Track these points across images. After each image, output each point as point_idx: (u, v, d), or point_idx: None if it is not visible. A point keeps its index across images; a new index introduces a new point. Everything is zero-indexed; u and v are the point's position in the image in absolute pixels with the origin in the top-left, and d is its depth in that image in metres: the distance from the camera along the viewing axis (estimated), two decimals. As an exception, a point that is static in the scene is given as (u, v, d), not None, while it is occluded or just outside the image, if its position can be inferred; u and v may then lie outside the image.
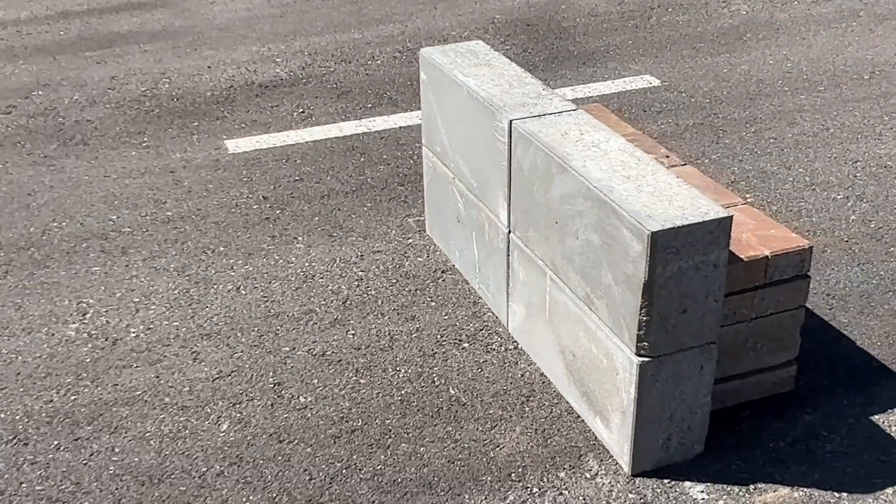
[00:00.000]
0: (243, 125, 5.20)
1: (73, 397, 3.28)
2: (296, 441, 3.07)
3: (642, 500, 2.83)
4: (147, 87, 5.67)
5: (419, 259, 3.99)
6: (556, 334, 3.18)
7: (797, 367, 3.23)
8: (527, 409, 3.19)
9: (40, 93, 5.63)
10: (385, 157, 4.83)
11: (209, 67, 5.94)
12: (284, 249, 4.08)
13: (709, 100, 5.35)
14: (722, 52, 5.97)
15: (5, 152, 4.95)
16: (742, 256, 2.96)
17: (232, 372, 3.38)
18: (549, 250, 3.10)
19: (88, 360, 3.45)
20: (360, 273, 3.91)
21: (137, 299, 3.77)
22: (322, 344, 3.50)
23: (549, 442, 3.05)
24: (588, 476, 2.92)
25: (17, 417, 3.19)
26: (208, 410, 3.21)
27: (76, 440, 3.09)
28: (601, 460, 2.97)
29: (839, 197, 4.37)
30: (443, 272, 3.90)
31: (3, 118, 5.32)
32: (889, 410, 3.14)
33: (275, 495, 2.88)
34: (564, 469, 2.94)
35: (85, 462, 3.01)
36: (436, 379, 3.33)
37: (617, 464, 2.96)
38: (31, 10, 6.98)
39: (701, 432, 2.96)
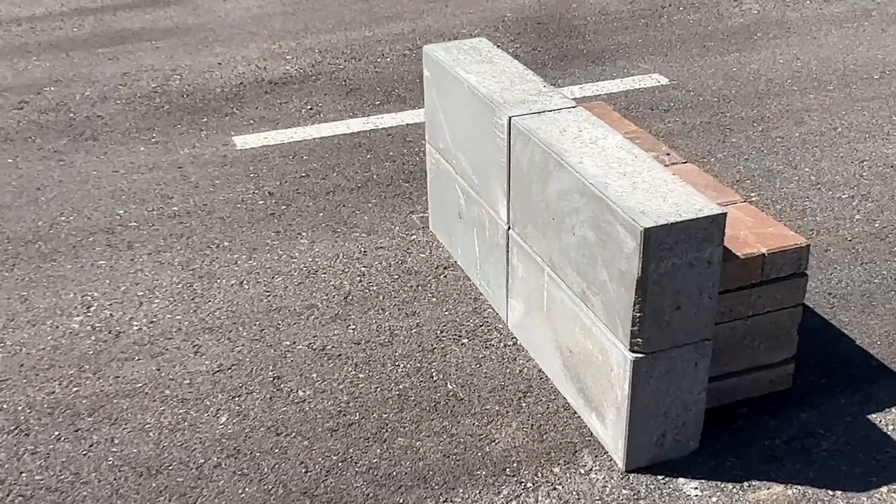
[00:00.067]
0: (252, 121, 5.23)
1: (74, 389, 3.31)
2: (293, 434, 3.10)
3: (636, 496, 2.84)
4: (158, 84, 5.72)
5: (422, 255, 4.01)
6: (553, 330, 3.19)
7: (795, 365, 3.23)
8: (524, 404, 3.20)
9: (52, 88, 5.68)
10: (391, 153, 4.85)
11: (220, 64, 5.98)
12: (288, 245, 4.10)
13: (717, 98, 5.34)
14: (732, 52, 5.96)
15: (16, 147, 5.00)
16: (739, 254, 2.96)
17: (232, 365, 3.41)
18: (547, 246, 3.12)
19: (91, 352, 3.49)
20: (363, 269, 3.93)
21: (141, 293, 3.81)
22: (322, 338, 3.53)
23: (544, 437, 3.06)
24: (582, 471, 2.93)
25: (20, 408, 3.23)
26: (208, 403, 3.23)
27: (76, 431, 3.13)
28: (596, 456, 2.98)
29: (844, 196, 4.36)
30: (445, 268, 3.92)
31: (15, 113, 5.37)
32: (886, 409, 3.14)
33: (271, 487, 2.90)
34: (559, 464, 2.96)
35: (84, 453, 3.04)
36: (434, 374, 3.34)
37: (612, 460, 2.97)
38: (46, 6, 7.04)
39: (696, 429, 2.96)
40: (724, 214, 2.66)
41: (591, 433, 3.07)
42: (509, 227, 3.37)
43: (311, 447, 3.04)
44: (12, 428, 3.15)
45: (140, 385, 3.32)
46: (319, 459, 3.00)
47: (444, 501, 2.84)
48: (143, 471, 2.97)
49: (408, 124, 5.14)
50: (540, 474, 2.92)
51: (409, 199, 4.44)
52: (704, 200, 2.70)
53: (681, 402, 2.89)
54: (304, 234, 4.18)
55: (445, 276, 3.87)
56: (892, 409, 3.14)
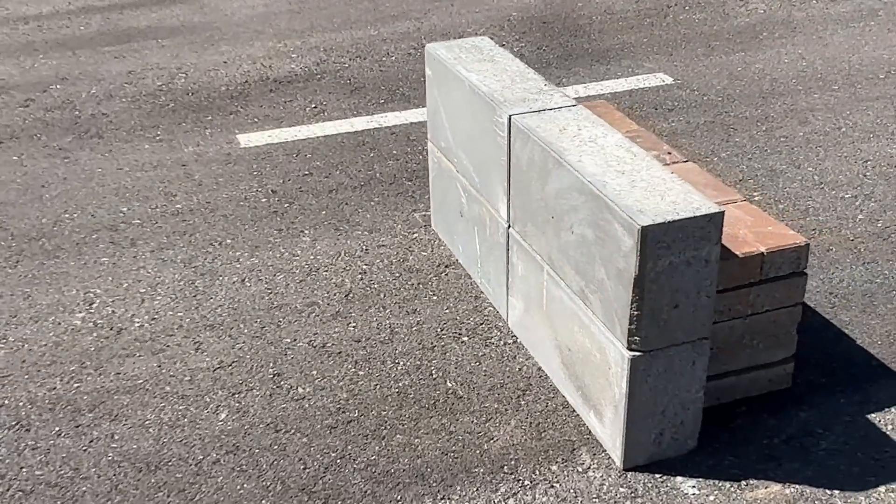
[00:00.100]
0: (256, 120, 5.24)
1: (76, 385, 3.32)
2: (292, 431, 3.11)
3: (633, 494, 2.84)
4: (163, 82, 5.73)
5: (423, 253, 4.01)
6: (552, 329, 3.20)
7: (795, 364, 3.22)
8: (523, 402, 3.20)
9: (58, 86, 5.70)
10: (395, 152, 4.86)
11: (225, 63, 5.99)
12: (290, 242, 4.11)
13: (721, 98, 5.33)
14: (737, 51, 5.96)
15: (21, 145, 5.02)
16: (737, 252, 2.96)
17: (233, 362, 3.42)
18: (546, 245, 3.12)
19: (93, 348, 3.50)
20: (364, 266, 3.94)
21: (144, 290, 3.82)
22: (323, 336, 3.53)
23: (543, 435, 3.06)
24: (580, 470, 2.93)
25: (21, 404, 3.25)
26: (207, 400, 3.25)
27: (77, 427, 3.14)
28: (594, 454, 2.98)
29: (847, 196, 4.35)
30: (446, 266, 3.92)
31: (21, 111, 5.40)
32: (886, 409, 3.13)
33: (269, 483, 2.91)
34: (557, 462, 2.96)
35: (84, 448, 3.05)
36: (434, 372, 3.35)
37: (609, 458, 2.97)
38: (54, 5, 7.06)
39: (694, 428, 2.97)
40: (722, 213, 2.66)
41: (590, 431, 3.07)
42: (509, 226, 3.38)
43: (309, 444, 3.05)
44: (13, 423, 3.16)
45: (141, 381, 3.34)
46: (318, 456, 3.01)
47: (441, 499, 2.84)
48: (142, 466, 2.98)
49: (411, 123, 5.15)
50: (538, 472, 2.92)
51: (412, 197, 4.44)
52: (702, 199, 2.70)
53: (679, 400, 2.89)
54: (306, 232, 4.19)
55: (447, 275, 3.87)
56: (892, 409, 3.14)
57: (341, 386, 3.29)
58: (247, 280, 3.87)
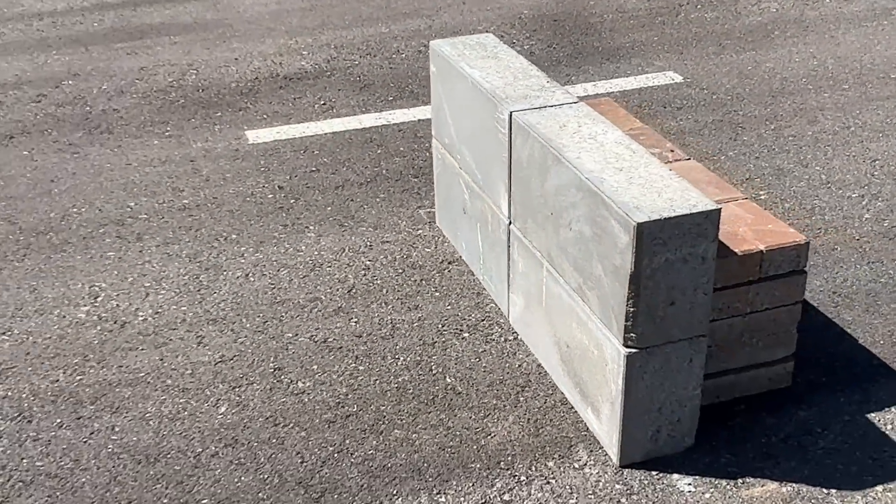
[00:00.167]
0: (265, 116, 5.26)
1: (78, 378, 3.35)
2: (291, 425, 3.12)
3: (628, 491, 2.84)
4: (174, 78, 5.76)
5: (427, 250, 4.02)
6: (551, 325, 3.20)
7: (796, 363, 3.22)
8: (521, 399, 3.21)
9: (70, 82, 5.74)
10: (402, 149, 4.87)
11: (236, 59, 6.02)
12: (295, 238, 4.13)
13: (730, 97, 5.32)
14: (748, 50, 5.94)
15: (32, 139, 5.06)
16: (736, 250, 2.95)
17: (234, 356, 3.43)
18: (546, 241, 3.12)
19: (96, 341, 3.53)
20: (368, 262, 3.95)
21: (148, 284, 3.85)
22: (324, 331, 3.55)
23: (540, 432, 3.07)
24: (576, 466, 2.93)
25: (24, 396, 3.27)
26: (208, 393, 3.26)
27: (78, 419, 3.17)
28: (591, 451, 2.99)
29: (854, 195, 4.33)
30: (449, 263, 3.93)
31: (33, 106, 5.44)
32: (886, 409, 3.12)
33: (266, 476, 2.93)
34: (554, 459, 2.96)
35: (85, 440, 3.08)
36: (434, 368, 3.36)
37: (606, 455, 2.97)
38: (68, 1, 7.11)
39: (691, 425, 2.96)
40: (719, 210, 2.66)
41: (588, 428, 3.07)
42: (510, 222, 3.38)
43: (308, 438, 3.07)
44: (16, 415, 3.19)
45: (143, 374, 3.36)
46: (316, 450, 3.02)
47: (437, 493, 2.85)
48: (141, 458, 3.00)
49: (419, 120, 5.16)
50: (534, 468, 2.93)
51: (418, 194, 4.45)
52: (699, 196, 2.70)
53: (675, 397, 2.88)
54: (311, 227, 4.21)
55: (449, 271, 3.88)
56: (892, 409, 3.12)
57: (341, 381, 3.30)
58: (251, 275, 3.89)
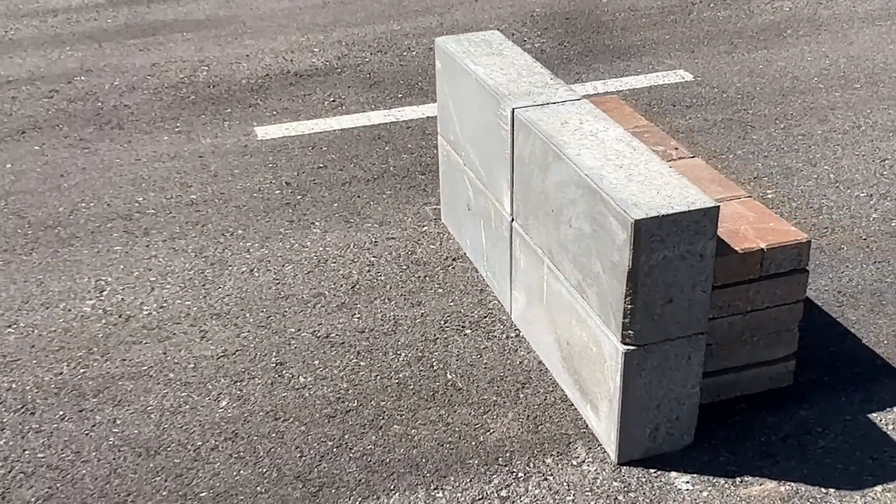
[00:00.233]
0: (274, 112, 5.28)
1: (82, 370, 3.37)
2: (291, 419, 3.13)
3: (626, 489, 2.84)
4: (185, 75, 5.79)
5: (431, 247, 4.03)
6: (552, 322, 3.20)
7: (797, 362, 3.20)
8: (521, 395, 3.21)
9: (83, 78, 5.77)
10: (409, 146, 4.88)
11: (247, 56, 6.04)
12: (301, 234, 4.14)
13: (740, 96, 5.30)
14: (760, 49, 5.91)
15: (43, 134, 5.09)
16: (737, 248, 2.94)
17: (237, 351, 3.45)
18: (547, 238, 3.12)
19: (101, 335, 3.55)
20: (372, 259, 3.96)
21: (154, 278, 3.87)
22: (327, 326, 3.56)
23: (539, 428, 3.07)
24: (575, 463, 2.93)
25: (27, 388, 3.30)
26: (210, 387, 3.28)
27: (81, 412, 3.19)
28: (589, 448, 2.98)
29: (862, 195, 4.31)
30: (454, 260, 3.93)
31: (45, 102, 5.47)
32: (887, 409, 3.10)
33: (265, 470, 2.94)
34: (552, 455, 2.96)
35: (87, 432, 3.10)
36: (434, 364, 3.36)
37: (605, 452, 2.97)
38: (83, -2, 7.16)
39: (690, 423, 2.95)
40: (717, 208, 2.65)
41: (587, 425, 3.07)
42: (512, 219, 3.38)
43: (307, 432, 3.08)
44: (19, 407, 3.22)
45: (145, 368, 3.38)
46: (315, 445, 3.03)
47: (434, 489, 2.85)
48: (141, 451, 3.02)
49: (427, 117, 5.17)
50: (532, 465, 2.93)
51: (424, 191, 4.46)
52: (698, 193, 2.69)
53: (674, 395, 2.88)
54: (317, 223, 4.22)
55: (453, 268, 3.88)
56: (894, 409, 3.11)
57: (342, 376, 3.31)
58: (255, 270, 3.90)
